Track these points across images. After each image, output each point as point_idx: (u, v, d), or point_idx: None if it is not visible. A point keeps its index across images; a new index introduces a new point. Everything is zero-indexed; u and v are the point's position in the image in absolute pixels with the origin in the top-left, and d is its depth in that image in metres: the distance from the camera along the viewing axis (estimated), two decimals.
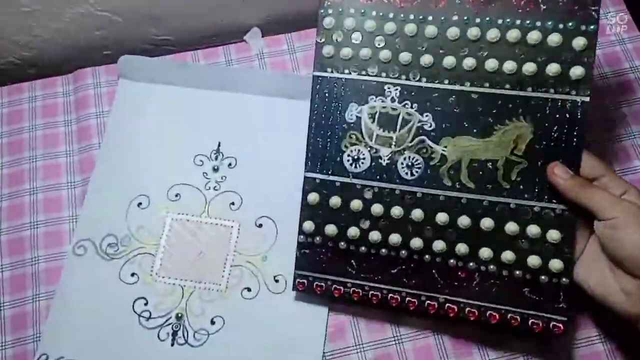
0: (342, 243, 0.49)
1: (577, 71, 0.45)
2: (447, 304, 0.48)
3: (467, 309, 0.48)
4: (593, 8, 0.45)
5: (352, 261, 0.49)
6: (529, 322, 0.47)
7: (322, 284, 0.50)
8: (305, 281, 0.50)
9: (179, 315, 0.52)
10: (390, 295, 0.49)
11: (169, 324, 0.52)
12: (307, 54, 0.62)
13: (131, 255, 0.54)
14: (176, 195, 0.56)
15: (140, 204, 0.56)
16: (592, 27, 0.45)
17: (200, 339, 0.51)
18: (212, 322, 0.52)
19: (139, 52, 0.63)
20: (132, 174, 0.57)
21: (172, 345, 0.51)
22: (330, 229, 0.49)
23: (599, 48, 0.56)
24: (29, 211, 0.56)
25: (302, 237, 0.50)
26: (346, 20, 0.49)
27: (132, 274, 0.53)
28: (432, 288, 0.48)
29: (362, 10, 0.49)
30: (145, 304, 0.52)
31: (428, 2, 0.48)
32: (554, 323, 0.46)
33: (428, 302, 0.48)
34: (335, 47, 0.49)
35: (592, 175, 0.46)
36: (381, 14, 0.49)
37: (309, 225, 0.50)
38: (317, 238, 0.50)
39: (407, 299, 0.49)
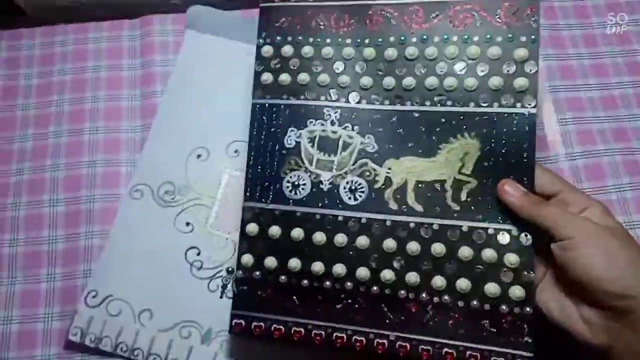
0: (283, 277, 0.46)
1: (520, 82, 0.44)
2: (398, 342, 0.44)
3: (421, 346, 0.43)
4: (532, 18, 0.44)
5: (294, 297, 0.46)
6: None
7: (262, 323, 0.46)
8: (243, 322, 0.46)
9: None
10: (335, 334, 0.45)
11: (219, 277, 0.52)
12: None
13: (187, 205, 0.54)
14: (235, 152, 0.56)
15: (199, 155, 0.56)
16: (532, 37, 0.44)
17: None
18: None
19: (207, 3, 0.62)
20: (193, 125, 0.56)
21: (221, 297, 0.51)
22: (270, 262, 0.46)
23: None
24: (88, 150, 0.57)
25: (240, 272, 0.47)
26: (284, 48, 0.49)
27: (187, 223, 0.54)
28: (381, 324, 0.44)
29: (299, 38, 0.49)
30: (198, 254, 0.53)
31: (364, 26, 0.48)
32: None
33: (377, 340, 0.44)
34: (273, 74, 0.49)
35: (549, 191, 0.43)
36: (318, 40, 0.48)
37: (247, 259, 0.47)
38: (256, 273, 0.47)
39: (354, 337, 0.44)
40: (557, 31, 0.60)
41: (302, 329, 0.45)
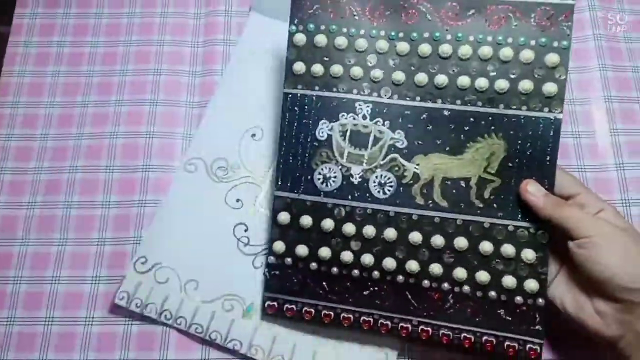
0: (314, 264, 0.48)
1: (549, 88, 0.45)
2: (421, 327, 0.47)
3: (441, 331, 0.47)
4: (565, 24, 0.45)
5: (324, 283, 0.48)
6: (504, 345, 0.46)
7: (293, 306, 0.49)
8: (276, 304, 0.49)
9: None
10: (362, 317, 0.48)
11: (264, 254, 0.53)
12: None
13: (238, 182, 0.55)
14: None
15: (254, 135, 0.57)
16: (564, 42, 0.45)
17: None
18: None
19: None
20: (250, 105, 0.57)
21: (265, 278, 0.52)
22: (301, 250, 0.48)
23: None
24: (147, 121, 0.58)
25: (272, 258, 0.49)
26: (317, 37, 0.49)
27: (237, 200, 0.54)
28: (405, 310, 0.47)
29: (333, 27, 0.49)
30: (245, 230, 0.53)
31: (399, 19, 0.48)
32: (530, 346, 0.45)
33: (401, 324, 0.47)
34: (306, 64, 0.49)
35: (567, 193, 0.45)
36: (352, 30, 0.48)
37: (279, 246, 0.49)
38: (288, 259, 0.49)
39: (380, 321, 0.47)
40: (616, 42, 0.60)
41: (331, 312, 0.48)
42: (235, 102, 0.58)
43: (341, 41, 0.48)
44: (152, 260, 0.52)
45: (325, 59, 0.49)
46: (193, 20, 0.62)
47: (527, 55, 0.45)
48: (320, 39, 0.49)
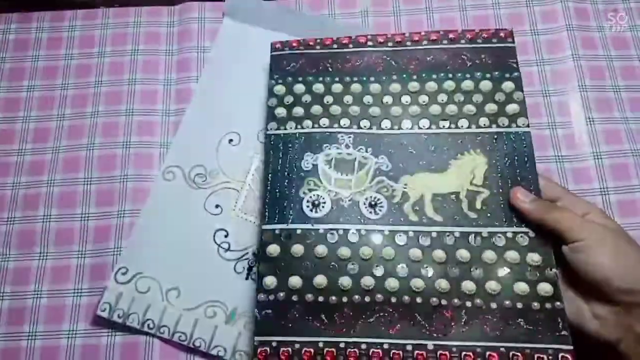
0: (309, 295, 0.45)
1: (512, 108, 0.50)
2: (439, 351, 0.43)
3: (463, 352, 0.42)
4: (511, 61, 0.51)
5: (322, 315, 0.44)
6: (534, 357, 0.42)
7: (289, 348, 0.44)
8: (268, 348, 0.44)
9: (256, 252, 0.53)
10: (371, 350, 0.43)
11: (246, 259, 0.53)
12: (411, 19, 0.62)
13: (217, 188, 0.55)
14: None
15: (231, 140, 0.57)
16: (515, 74, 0.51)
17: None
18: None
19: None
20: (226, 111, 0.57)
21: (247, 278, 0.52)
22: (294, 281, 0.45)
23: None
24: (123, 131, 0.58)
25: (262, 295, 0.45)
26: (296, 86, 0.52)
27: (217, 206, 0.54)
28: (417, 334, 0.43)
29: (309, 78, 0.52)
30: (226, 236, 0.53)
31: (368, 66, 0.53)
32: (563, 354, 0.42)
33: (416, 352, 0.43)
34: (287, 109, 0.52)
35: (550, 196, 0.46)
36: (327, 79, 0.52)
37: (270, 281, 0.46)
38: (280, 294, 0.45)
39: (392, 350, 0.43)
40: (589, 32, 0.60)
41: (333, 349, 0.44)
42: (211, 108, 0.58)
43: (319, 86, 0.52)
44: (132, 270, 0.52)
45: (305, 101, 0.52)
46: (166, 28, 0.62)
47: (486, 86, 0.51)
48: (299, 87, 0.52)
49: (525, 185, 0.46)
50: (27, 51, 0.62)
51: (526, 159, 0.48)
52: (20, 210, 0.55)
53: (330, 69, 0.52)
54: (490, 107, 0.50)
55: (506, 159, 0.48)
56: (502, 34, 0.52)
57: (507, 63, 0.51)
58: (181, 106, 0.58)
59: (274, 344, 0.44)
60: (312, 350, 0.44)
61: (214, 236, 0.53)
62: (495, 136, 0.49)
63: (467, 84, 0.51)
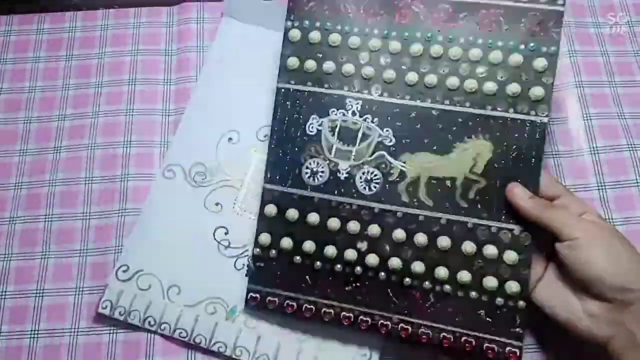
0: (298, 257, 0.49)
1: (536, 92, 0.46)
2: (401, 324, 0.47)
3: (421, 330, 0.47)
4: (554, 30, 0.46)
5: (307, 277, 0.49)
6: (484, 346, 0.46)
7: (275, 299, 0.49)
8: (258, 296, 0.49)
9: None
10: (343, 313, 0.48)
11: (245, 256, 0.53)
12: None
13: (217, 186, 0.55)
14: (264, 136, 0.56)
15: (230, 138, 0.57)
16: (552, 48, 0.46)
17: None
18: None
19: None
20: (225, 109, 0.58)
21: (247, 276, 0.52)
22: (286, 242, 0.49)
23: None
24: (124, 131, 0.58)
25: (257, 250, 0.50)
26: (311, 34, 0.50)
27: (217, 204, 0.55)
28: (386, 307, 0.47)
29: (327, 24, 0.50)
30: (226, 234, 0.54)
31: (392, 18, 0.49)
32: (510, 348, 0.45)
33: (381, 321, 0.47)
34: (300, 60, 0.50)
35: (551, 195, 0.46)
36: (346, 27, 0.50)
37: (265, 238, 0.49)
38: (273, 251, 0.49)
39: (360, 317, 0.47)
40: (585, 28, 0.61)
41: (312, 307, 0.48)
42: (211, 107, 0.58)
43: (335, 38, 0.49)
44: (133, 268, 0.52)
45: (319, 55, 0.50)
46: (165, 28, 0.63)
47: (515, 59, 0.46)
48: (315, 36, 0.50)
49: (524, 180, 0.46)
50: (28, 53, 0.62)
51: (534, 152, 0.46)
52: (22, 210, 0.56)
53: (350, 15, 0.49)
54: (513, 88, 0.46)
55: (514, 148, 0.46)
56: None
57: (549, 32, 0.46)
58: (181, 106, 0.59)
59: (263, 293, 0.49)
60: (294, 304, 0.48)
61: (214, 233, 0.54)
62: (509, 122, 0.47)
63: (495, 55, 0.47)
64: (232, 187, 0.55)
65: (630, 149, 0.55)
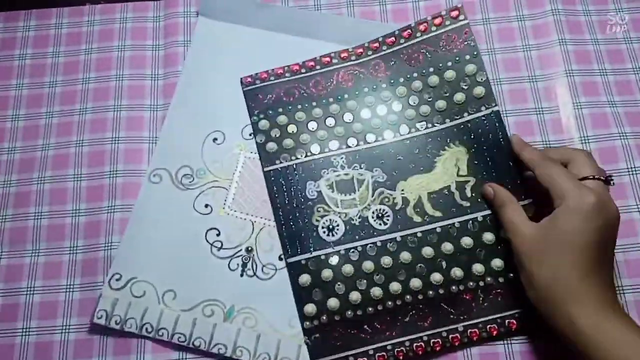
0: (349, 312, 0.50)
1: (478, 91, 0.53)
2: (468, 330, 0.49)
3: (488, 326, 0.49)
4: (468, 40, 0.54)
5: (365, 326, 0.50)
6: (506, 322, 0.49)
7: None
8: None
9: (249, 248, 0.53)
10: (414, 344, 0.49)
11: (239, 256, 0.53)
12: (396, 7, 0.62)
13: (205, 187, 0.55)
14: (250, 135, 0.56)
15: (215, 139, 0.56)
16: (474, 53, 0.54)
17: (268, 273, 0.52)
18: (280, 259, 0.53)
19: None
20: (208, 109, 0.57)
21: (242, 275, 0.52)
22: (333, 303, 0.50)
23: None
24: (112, 127, 0.58)
25: (307, 323, 0.50)
26: (279, 118, 0.55)
27: (206, 205, 0.54)
28: (447, 321, 0.49)
29: (289, 107, 0.55)
30: (218, 235, 0.53)
31: (339, 84, 0.56)
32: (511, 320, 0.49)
33: (450, 335, 0.49)
34: (276, 142, 0.55)
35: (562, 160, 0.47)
36: (306, 105, 0.55)
37: (310, 308, 0.50)
38: (323, 317, 0.50)
39: (431, 340, 0.49)
40: (575, 16, 0.60)
41: (383, 353, 0.49)
42: (193, 107, 0.58)
43: (300, 115, 0.55)
44: (126, 275, 0.52)
45: (292, 132, 0.55)
46: (152, 23, 0.62)
47: (449, 74, 0.54)
48: (282, 119, 0.55)
49: (503, 161, 0.51)
50: (15, 50, 0.62)
51: (500, 135, 0.52)
52: (12, 208, 0.55)
53: (305, 94, 0.55)
54: (459, 97, 0.53)
55: (483, 142, 0.52)
56: (453, 14, 0.55)
57: (464, 43, 0.54)
58: (169, 101, 0.58)
59: None
60: (365, 359, 0.49)
61: (205, 236, 0.54)
62: (469, 124, 0.53)
63: (433, 79, 0.54)
64: (220, 188, 0.55)
65: (621, 137, 0.55)
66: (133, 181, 0.55)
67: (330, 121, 0.55)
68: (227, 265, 0.53)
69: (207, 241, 0.53)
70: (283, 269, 0.52)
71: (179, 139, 0.56)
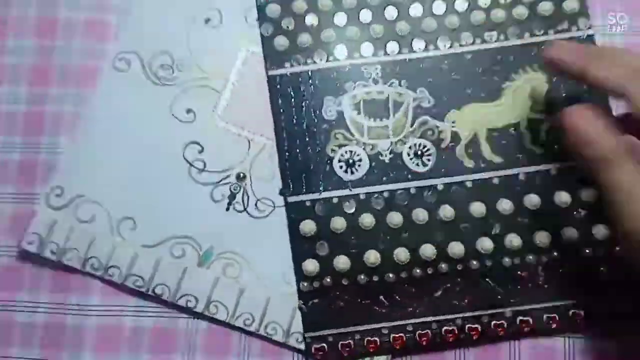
0: (362, 276, 0.41)
1: (570, 4, 0.44)
2: (518, 317, 0.41)
3: (545, 315, 0.40)
4: None
5: (381, 297, 0.41)
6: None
7: (349, 340, 0.41)
8: (325, 344, 0.41)
9: (241, 175, 0.44)
10: (444, 328, 0.40)
11: (227, 184, 0.44)
12: None
13: (189, 85, 0.45)
14: (257, 20, 0.46)
15: (208, 20, 0.46)
16: None
17: (263, 210, 0.43)
18: (282, 193, 0.44)
19: None
20: None
21: (227, 209, 0.43)
22: (341, 262, 0.41)
23: None
24: None
25: (305, 284, 0.41)
26: (295, 3, 0.44)
27: (188, 111, 0.44)
28: (492, 303, 0.41)
29: None
30: (200, 152, 0.44)
31: None
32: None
33: (493, 322, 0.41)
34: (289, 37, 0.44)
35: None
36: None
37: (311, 266, 0.41)
38: (327, 279, 0.41)
39: (467, 326, 0.40)
40: None
41: (401, 334, 0.40)
42: None
43: (325, 2, 0.44)
44: (71, 191, 0.43)
45: (312, 24, 0.44)
46: None
47: None
48: (300, 4, 0.44)
49: (597, 101, 0.40)
50: None
51: None
52: None
53: None
54: (546, 7, 0.44)
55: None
56: None
57: None
58: None
59: (329, 338, 0.41)
60: (377, 339, 0.41)
61: (183, 151, 0.44)
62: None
63: None
64: (210, 89, 0.45)
65: None
66: (92, 65, 0.45)
67: (365, 15, 0.44)
68: (209, 194, 0.44)
69: (185, 159, 0.44)
70: (283, 207, 0.44)
71: (158, 15, 0.46)
